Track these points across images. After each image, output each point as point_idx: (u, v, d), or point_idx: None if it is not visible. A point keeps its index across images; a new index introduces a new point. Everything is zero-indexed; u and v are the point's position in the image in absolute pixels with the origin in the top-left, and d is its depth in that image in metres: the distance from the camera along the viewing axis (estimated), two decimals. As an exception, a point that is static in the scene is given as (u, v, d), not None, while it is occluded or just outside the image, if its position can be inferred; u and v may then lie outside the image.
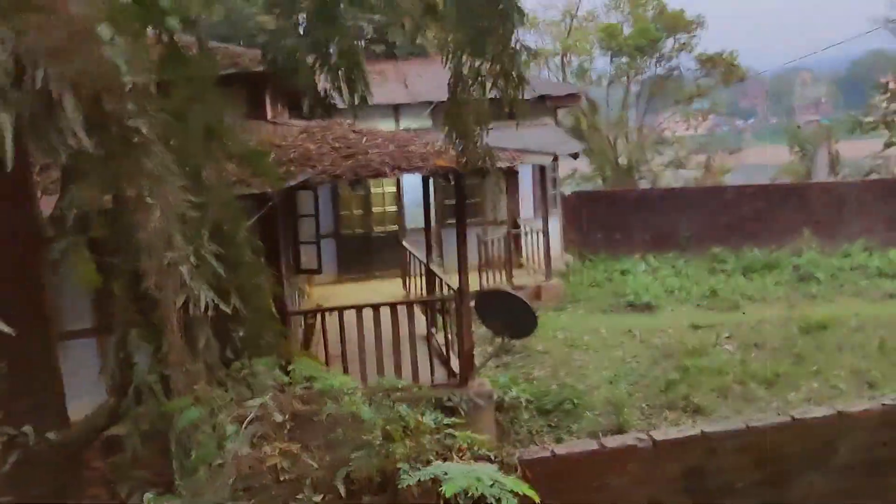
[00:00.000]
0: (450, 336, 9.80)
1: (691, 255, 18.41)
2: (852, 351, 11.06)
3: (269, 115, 9.15)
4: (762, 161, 40.39)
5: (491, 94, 7.45)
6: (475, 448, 4.79)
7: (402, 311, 9.46)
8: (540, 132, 15.71)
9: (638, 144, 32.26)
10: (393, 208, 17.04)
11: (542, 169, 15.53)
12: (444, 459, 4.59)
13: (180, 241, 3.84)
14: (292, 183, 7.18)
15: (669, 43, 30.61)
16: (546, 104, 16.79)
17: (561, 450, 5.33)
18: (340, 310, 9.25)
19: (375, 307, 9.44)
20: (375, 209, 16.91)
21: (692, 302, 14.44)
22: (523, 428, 9.52)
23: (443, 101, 15.88)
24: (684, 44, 31.03)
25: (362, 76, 8.24)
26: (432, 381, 9.31)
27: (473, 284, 14.69)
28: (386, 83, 17.15)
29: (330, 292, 15.53)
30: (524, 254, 17.15)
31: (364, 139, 8.37)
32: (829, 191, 18.52)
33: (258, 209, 7.65)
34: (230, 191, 5.05)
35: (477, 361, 9.72)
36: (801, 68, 65.96)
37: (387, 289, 14.78)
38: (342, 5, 8.07)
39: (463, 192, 9.35)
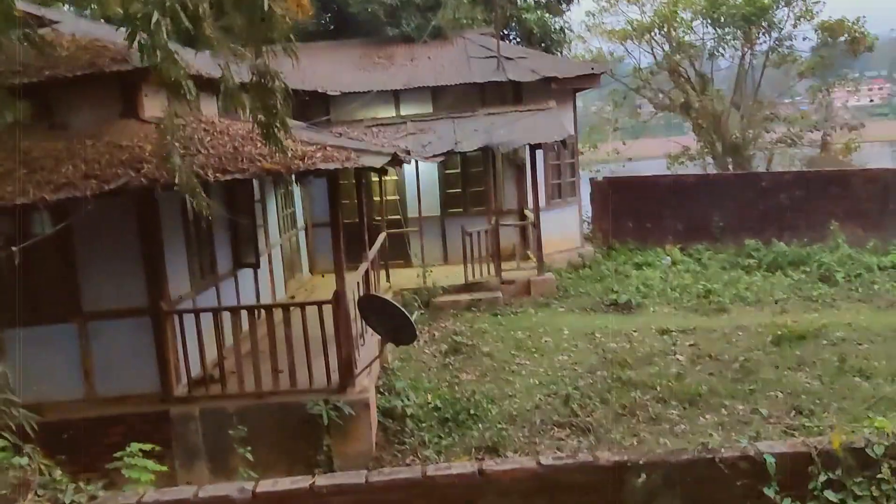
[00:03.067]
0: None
1: (723, 246, 17.01)
2: (811, 368, 9.79)
3: (147, 112, 9.01)
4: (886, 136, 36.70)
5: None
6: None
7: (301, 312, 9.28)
8: (523, 119, 14.90)
9: (745, 121, 30.01)
10: (395, 197, 16.72)
11: (532, 154, 14.69)
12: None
13: None
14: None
15: (783, 12, 28.05)
16: (552, 87, 15.85)
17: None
18: (214, 310, 9.14)
19: (250, 309, 9.28)
20: (376, 198, 16.62)
21: (682, 302, 13.30)
22: (411, 438, 9.04)
23: (443, 87, 15.65)
24: (806, 10, 28.44)
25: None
26: (310, 386, 9.04)
27: (457, 278, 14.49)
28: (390, 68, 16.79)
29: (319, 283, 15.51)
30: (532, 245, 16.43)
31: (209, 138, 8.10)
32: (874, 179, 16.46)
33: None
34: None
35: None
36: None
37: (392, 278, 14.58)
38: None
39: (336, 192, 8.90)
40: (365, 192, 15.84)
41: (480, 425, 9.07)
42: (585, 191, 19.38)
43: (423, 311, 12.76)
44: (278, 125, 6.93)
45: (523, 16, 20.63)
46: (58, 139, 8.49)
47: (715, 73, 30.23)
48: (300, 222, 16.26)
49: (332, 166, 7.58)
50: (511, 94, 16.14)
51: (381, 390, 10.07)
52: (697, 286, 13.78)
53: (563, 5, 23.04)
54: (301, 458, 8.79)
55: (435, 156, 13.95)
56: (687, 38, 30.63)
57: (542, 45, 21.15)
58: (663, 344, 11.15)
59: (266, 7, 6.54)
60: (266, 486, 4.34)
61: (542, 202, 16.80)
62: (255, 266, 11.90)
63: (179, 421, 8.97)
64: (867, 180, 16.35)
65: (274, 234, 14.07)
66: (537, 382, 10.18)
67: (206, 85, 9.02)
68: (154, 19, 5.84)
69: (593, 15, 29.84)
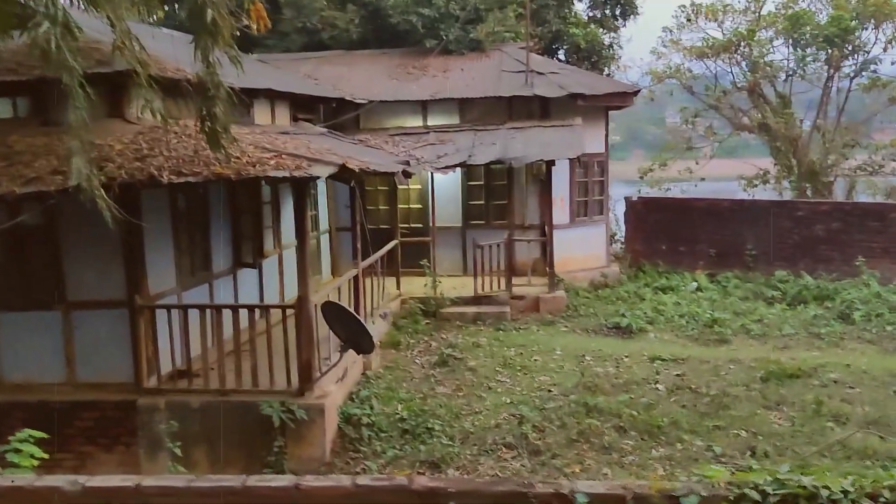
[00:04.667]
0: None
1: (754, 275, 16.43)
2: (788, 408, 9.39)
3: (134, 113, 9.36)
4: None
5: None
6: None
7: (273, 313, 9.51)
8: (543, 135, 14.79)
9: (825, 146, 28.88)
10: (419, 206, 16.81)
11: (548, 170, 14.56)
12: None
13: None
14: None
15: (870, 34, 26.88)
16: (578, 103, 15.67)
17: None
18: (185, 307, 9.42)
19: (218, 308, 9.51)
20: (400, 206, 16.75)
21: (686, 330, 12.93)
22: (368, 447, 9.11)
23: (470, 99, 15.70)
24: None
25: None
26: (271, 388, 9.23)
27: (467, 290, 14.47)
28: (421, 79, 16.93)
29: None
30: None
31: (175, 140, 8.38)
32: (915, 214, 15.57)
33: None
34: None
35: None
36: None
37: (405, 286, 14.70)
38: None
39: (302, 198, 9.04)
40: (380, 199, 16.11)
41: (435, 440, 9.05)
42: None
43: (384, 317, 12.69)
44: (221, 131, 7.10)
45: (570, 30, 20.41)
46: (46, 135, 8.94)
47: (800, 95, 29.15)
48: (323, 226, 16.53)
49: (280, 174, 7.73)
50: (538, 109, 16.04)
51: (353, 397, 10.19)
52: (706, 315, 13.35)
53: (619, 20, 22.68)
54: (257, 456, 9.00)
55: (447, 167, 13.99)
56: (767, 57, 29.72)
57: (590, 60, 20.91)
58: (649, 371, 10.88)
59: (210, 18, 6.72)
60: (97, 481, 4.48)
61: (566, 219, 16.71)
62: (252, 266, 12.17)
63: (145, 411, 9.29)
64: (906, 215, 15.54)
65: (288, 236, 14.35)
66: (508, 401, 10.09)
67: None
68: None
69: (670, 31, 29.32)
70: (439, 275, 15.50)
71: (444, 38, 17.83)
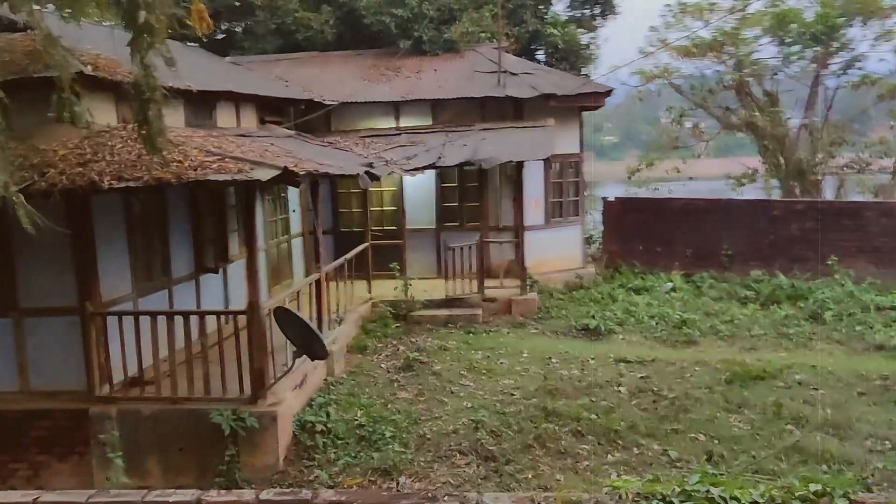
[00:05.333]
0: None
1: (731, 275, 16.32)
2: (750, 411, 9.27)
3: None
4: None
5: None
6: None
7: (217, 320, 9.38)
8: (514, 136, 14.68)
9: (810, 144, 28.75)
10: (392, 208, 16.68)
11: (519, 171, 14.46)
12: None
13: None
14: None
15: (856, 31, 26.75)
16: (550, 104, 15.56)
17: None
18: (135, 314, 9.28)
19: (170, 314, 9.36)
20: (373, 208, 16.62)
21: (655, 332, 12.81)
22: (323, 455, 8.97)
23: (443, 100, 15.58)
24: (885, 31, 27.09)
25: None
26: (224, 395, 9.09)
27: (439, 292, 14.32)
28: (394, 80, 16.81)
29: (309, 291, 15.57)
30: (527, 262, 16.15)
31: (121, 145, 8.24)
32: (889, 213, 15.41)
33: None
34: None
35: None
36: None
37: (377, 289, 14.56)
38: None
39: (250, 202, 8.91)
40: (353, 202, 15.95)
41: (390, 447, 8.91)
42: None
43: (339, 323, 12.49)
44: (157, 135, 6.97)
45: (548, 31, 20.29)
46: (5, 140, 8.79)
47: (787, 93, 29.03)
48: (295, 229, 16.38)
49: (221, 178, 7.60)
50: (511, 110, 15.93)
51: (312, 404, 10.04)
52: (675, 316, 13.24)
53: (598, 20, 22.57)
54: (210, 465, 8.86)
55: (415, 169, 13.86)
56: (754, 55, 29.59)
57: (568, 61, 20.79)
58: (613, 374, 10.76)
59: (142, 20, 6.59)
60: (-2, 497, 4.36)
61: (541, 220, 16.61)
62: (214, 271, 12.02)
63: (97, 420, 9.15)
64: (882, 213, 15.35)
65: (257, 240, 14.22)
66: (469, 406, 9.95)
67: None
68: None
69: (657, 30, 29.21)
70: (413, 277, 15.39)
71: (418, 38, 17.70)
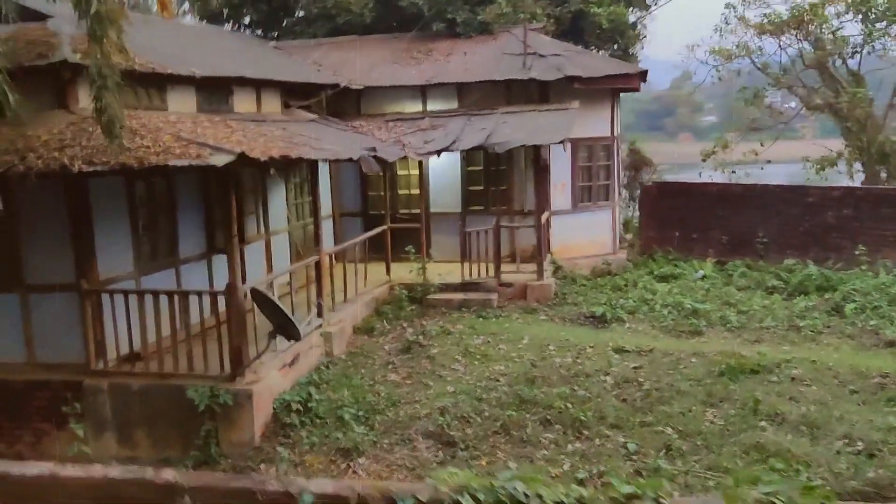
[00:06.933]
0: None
1: (765, 263, 15.76)
2: (728, 405, 8.99)
3: (80, 104, 9.62)
4: None
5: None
6: None
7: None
8: (536, 119, 14.49)
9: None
10: (418, 192, 16.73)
11: (537, 154, 14.31)
12: None
13: None
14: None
15: None
16: (575, 86, 15.29)
17: None
18: (125, 292, 9.69)
19: (156, 294, 9.72)
20: (401, 191, 16.75)
21: (665, 321, 12.51)
22: (299, 434, 9.19)
23: (468, 84, 15.56)
24: None
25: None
26: (205, 372, 9.43)
27: (458, 276, 14.34)
28: (423, 63, 16.84)
29: (338, 272, 15.81)
30: (553, 247, 16.04)
31: (98, 131, 8.56)
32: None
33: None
34: None
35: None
36: None
37: (397, 272, 14.66)
38: None
39: (227, 186, 9.14)
40: (381, 185, 16.06)
41: (362, 428, 9.07)
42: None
43: (319, 308, 12.57)
44: (113, 122, 7.24)
45: (591, 10, 19.87)
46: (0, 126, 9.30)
47: (871, 73, 27.53)
48: (324, 212, 16.65)
49: (180, 163, 7.85)
50: (537, 93, 15.72)
51: (301, 383, 10.27)
52: (687, 305, 12.89)
53: (650, -1, 21.96)
54: (191, 439, 9.21)
55: (429, 153, 13.91)
56: (838, 33, 28.18)
57: (614, 42, 20.33)
58: (605, 363, 10.59)
59: (93, 9, 6.84)
60: None
61: (567, 205, 16.40)
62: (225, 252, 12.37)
63: (90, 392, 9.65)
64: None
65: (278, 222, 14.56)
66: (451, 390, 10.00)
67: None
68: None
69: (734, 7, 28.18)
70: (438, 261, 15.48)
71: (451, 20, 17.65)
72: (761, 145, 28.92)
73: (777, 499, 3.59)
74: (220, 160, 7.82)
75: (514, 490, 3.78)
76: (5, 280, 10.05)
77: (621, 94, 17.47)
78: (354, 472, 8.12)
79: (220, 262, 12.46)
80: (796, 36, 27.93)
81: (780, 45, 28.41)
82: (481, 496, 3.79)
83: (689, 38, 48.22)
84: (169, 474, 4.30)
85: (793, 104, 31.35)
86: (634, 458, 7.86)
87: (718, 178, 25.38)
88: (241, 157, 7.96)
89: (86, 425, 9.67)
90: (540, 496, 3.73)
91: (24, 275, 10.05)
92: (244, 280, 12.94)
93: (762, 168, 27.63)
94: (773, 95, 30.39)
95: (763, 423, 8.40)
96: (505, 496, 3.75)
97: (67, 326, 9.95)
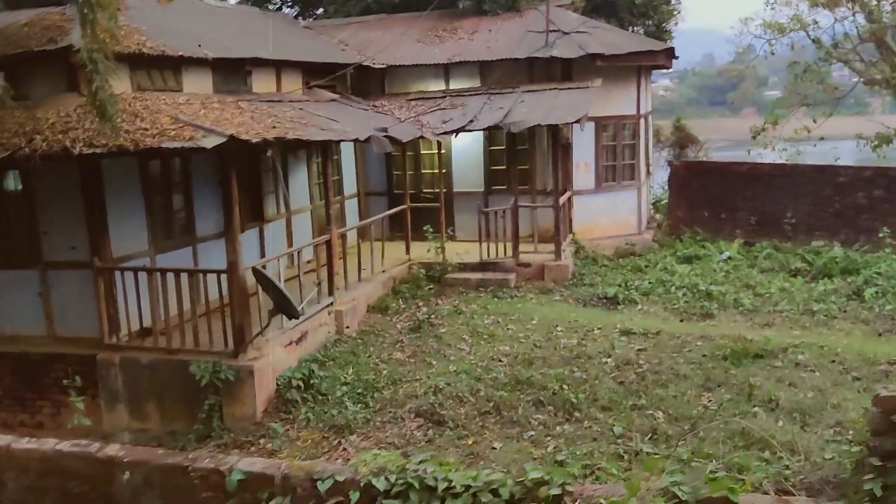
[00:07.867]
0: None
1: (793, 245, 15.43)
2: (724, 390, 8.90)
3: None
4: None
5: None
6: None
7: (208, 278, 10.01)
8: (556, 98, 14.35)
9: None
10: (444, 171, 16.76)
11: (556, 134, 14.21)
12: None
13: None
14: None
15: None
16: (597, 63, 15.09)
17: None
18: (134, 270, 10.00)
19: (163, 272, 10.00)
20: (425, 171, 16.81)
21: (678, 302, 12.37)
22: (297, 410, 9.41)
23: (490, 62, 15.51)
24: None
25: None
26: (211, 349, 9.70)
27: (477, 255, 14.37)
28: (447, 41, 16.80)
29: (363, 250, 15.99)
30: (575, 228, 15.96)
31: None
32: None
33: None
34: None
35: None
36: None
37: (417, 251, 14.77)
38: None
39: (227, 168, 9.33)
40: (408, 164, 16.12)
41: (359, 405, 9.25)
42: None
43: (317, 285, 12.71)
44: (105, 104, 7.45)
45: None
46: (14, 108, 9.65)
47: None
48: (349, 190, 16.85)
49: (172, 144, 8.06)
50: (559, 71, 15.56)
51: (307, 359, 10.48)
52: (702, 287, 12.71)
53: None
54: (197, 412, 9.52)
55: (445, 132, 13.92)
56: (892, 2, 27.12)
57: (648, 17, 19.96)
58: (609, 345, 10.55)
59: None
60: None
61: (591, 184, 16.26)
62: (242, 231, 12.63)
63: (103, 366, 10.03)
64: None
65: (300, 201, 14.79)
66: (452, 370, 10.10)
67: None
68: None
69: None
70: (462, 240, 15.56)
71: (479, -2, 17.56)
72: (814, 121, 28.07)
73: (680, 489, 3.60)
74: (210, 142, 7.99)
75: (425, 474, 3.86)
76: (25, 257, 10.48)
77: (660, 71, 17.15)
78: (344, 448, 8.28)
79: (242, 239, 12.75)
80: (850, 8, 27.03)
81: (835, 18, 27.53)
82: (393, 478, 3.88)
83: (746, 10, 46.96)
84: (112, 450, 4.50)
85: (855, 79, 30.35)
86: (619, 441, 7.85)
87: (769, 155, 24.76)
88: (231, 138, 8.12)
89: (101, 398, 10.11)
90: (449, 480, 3.80)
91: (43, 252, 10.45)
92: (263, 257, 13.33)
93: (815, 145, 26.84)
94: (834, 69, 29.42)
95: (756, 409, 8.30)
96: (415, 480, 3.83)
97: (84, 302, 10.33)
